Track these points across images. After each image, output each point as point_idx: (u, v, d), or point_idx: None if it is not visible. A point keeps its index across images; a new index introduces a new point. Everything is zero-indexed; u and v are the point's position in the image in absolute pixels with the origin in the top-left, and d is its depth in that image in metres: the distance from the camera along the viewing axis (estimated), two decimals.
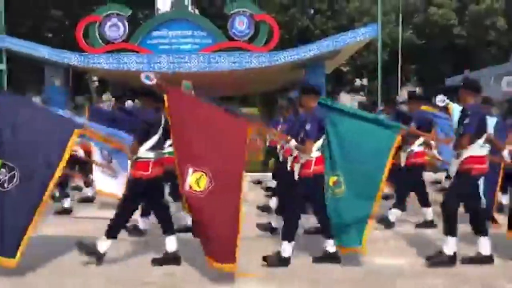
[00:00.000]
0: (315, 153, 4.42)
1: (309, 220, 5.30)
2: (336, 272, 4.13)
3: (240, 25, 15.34)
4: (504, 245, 4.57)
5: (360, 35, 14.55)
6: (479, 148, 4.26)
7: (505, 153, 4.71)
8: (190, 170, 3.93)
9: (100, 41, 15.68)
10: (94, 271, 4.16)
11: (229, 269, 3.95)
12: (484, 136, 4.29)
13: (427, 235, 5.42)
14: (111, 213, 4.51)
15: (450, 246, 4.24)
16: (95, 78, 25.28)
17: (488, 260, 4.30)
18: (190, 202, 3.98)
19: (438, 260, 4.23)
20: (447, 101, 5.71)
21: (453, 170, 5.37)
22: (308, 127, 4.38)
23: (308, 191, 4.44)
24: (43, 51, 14.97)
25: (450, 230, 4.26)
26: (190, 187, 3.92)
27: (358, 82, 36.23)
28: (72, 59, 14.89)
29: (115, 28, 15.59)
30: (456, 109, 5.72)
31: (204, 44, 15.42)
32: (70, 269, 4.22)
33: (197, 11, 17.40)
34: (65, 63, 15.05)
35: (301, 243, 5.06)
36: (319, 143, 4.42)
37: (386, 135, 4.41)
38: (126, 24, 15.68)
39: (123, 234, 5.31)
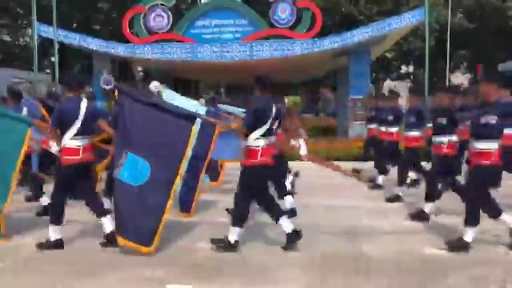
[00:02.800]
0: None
1: None
2: (383, 262, 4.06)
3: (283, 12, 15.21)
4: None
5: (406, 20, 14.07)
6: (69, 140, 4.39)
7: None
8: None
9: (145, 31, 16.05)
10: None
11: None
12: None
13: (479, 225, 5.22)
14: None
15: (52, 233, 4.43)
16: (140, 68, 25.94)
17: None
18: None
19: None
20: (160, 87, 5.76)
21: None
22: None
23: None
24: (92, 43, 15.53)
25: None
26: None
27: (404, 69, 35.11)
28: (119, 49, 15.36)
29: (160, 18, 15.90)
30: (168, 95, 5.57)
31: (246, 33, 15.44)
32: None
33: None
34: (112, 54, 15.54)
35: (341, 231, 5.03)
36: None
37: (19, 128, 4.62)
38: (170, 14, 15.95)
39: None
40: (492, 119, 4.17)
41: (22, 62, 26.57)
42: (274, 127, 4.66)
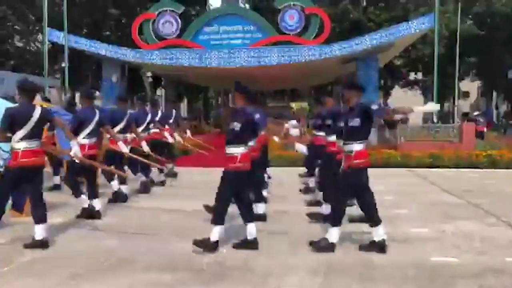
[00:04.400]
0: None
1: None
2: (389, 269, 4.01)
3: (291, 18, 15.26)
4: None
5: (414, 27, 14.04)
6: None
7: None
8: None
9: (154, 37, 16.17)
10: (159, 252, 4.33)
11: None
12: None
13: (488, 233, 5.15)
14: None
15: None
16: (149, 74, 26.10)
17: None
18: None
19: None
20: None
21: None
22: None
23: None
24: (101, 48, 15.67)
25: None
26: None
27: (412, 76, 34.94)
28: (128, 55, 15.48)
29: (168, 24, 16.03)
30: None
31: (255, 39, 15.50)
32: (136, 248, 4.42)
33: (247, 6, 17.48)
34: (121, 60, 15.66)
35: (348, 237, 4.98)
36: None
37: None
38: (179, 20, 16.07)
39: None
40: (237, 126, 4.51)
41: (33, 67, 26.87)
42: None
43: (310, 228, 5.38)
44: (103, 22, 26.19)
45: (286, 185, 8.59)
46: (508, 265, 4.09)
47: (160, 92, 30.33)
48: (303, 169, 8.44)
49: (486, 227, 5.46)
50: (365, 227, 5.42)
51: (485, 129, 18.20)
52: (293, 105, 15.32)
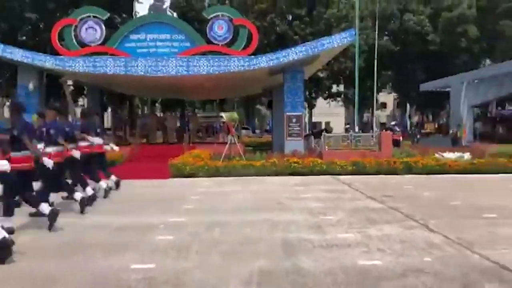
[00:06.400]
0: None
1: None
2: (320, 275, 4.11)
3: (220, 29, 15.34)
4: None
5: (337, 40, 14.72)
6: None
7: None
8: None
9: (76, 44, 15.43)
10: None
11: None
12: None
13: (408, 236, 5.49)
14: None
15: None
16: (70, 82, 24.75)
17: None
18: None
19: None
20: None
21: None
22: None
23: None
24: (16, 54, 14.62)
25: None
26: None
27: (335, 88, 36.65)
28: (47, 62, 14.57)
29: (92, 31, 15.37)
30: None
31: (183, 48, 15.35)
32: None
33: (175, 15, 17.26)
34: (39, 66, 14.72)
35: (279, 245, 5.05)
36: None
37: None
38: (103, 27, 15.48)
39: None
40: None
41: None
42: None
43: (242, 237, 5.38)
44: (19, 26, 24.55)
45: (219, 195, 8.54)
46: (426, 264, 4.38)
47: (82, 101, 28.93)
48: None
49: (406, 229, 5.81)
50: (344, 236, 5.51)
51: (401, 138, 19.54)
52: (223, 114, 15.32)
